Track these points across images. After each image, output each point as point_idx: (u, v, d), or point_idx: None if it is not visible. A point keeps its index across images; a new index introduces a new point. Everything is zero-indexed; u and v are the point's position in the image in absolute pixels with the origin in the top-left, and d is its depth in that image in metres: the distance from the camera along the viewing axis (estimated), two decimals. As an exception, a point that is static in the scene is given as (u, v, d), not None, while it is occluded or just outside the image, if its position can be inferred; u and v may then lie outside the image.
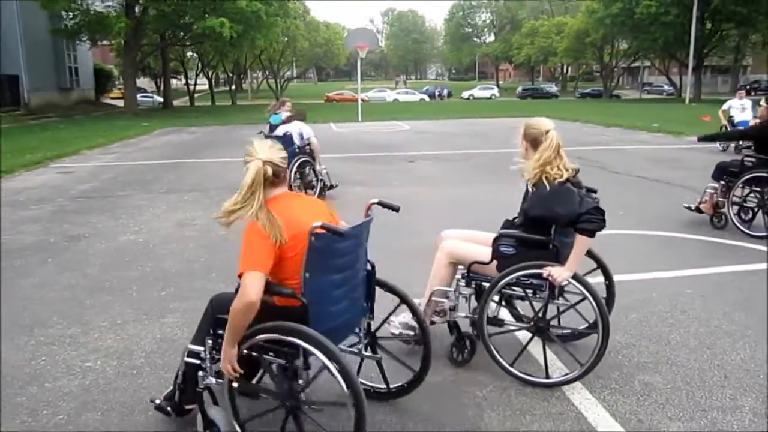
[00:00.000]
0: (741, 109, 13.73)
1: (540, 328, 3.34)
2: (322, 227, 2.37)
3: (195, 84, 51.17)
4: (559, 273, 3.10)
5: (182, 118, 27.82)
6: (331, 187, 8.80)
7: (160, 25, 32.58)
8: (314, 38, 65.21)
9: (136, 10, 30.52)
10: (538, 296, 3.29)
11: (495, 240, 3.36)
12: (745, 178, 6.32)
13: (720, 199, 6.58)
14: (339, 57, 73.57)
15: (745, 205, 6.49)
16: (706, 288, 4.72)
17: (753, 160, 6.35)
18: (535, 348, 3.55)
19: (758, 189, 6.36)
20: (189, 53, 48.17)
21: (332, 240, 2.41)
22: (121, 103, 35.44)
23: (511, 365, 3.30)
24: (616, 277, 4.83)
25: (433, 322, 3.55)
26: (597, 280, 3.57)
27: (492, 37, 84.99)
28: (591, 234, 3.10)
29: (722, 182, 6.59)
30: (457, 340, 3.50)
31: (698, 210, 6.80)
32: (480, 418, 2.93)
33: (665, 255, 5.74)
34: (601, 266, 3.62)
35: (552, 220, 3.22)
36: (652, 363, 3.47)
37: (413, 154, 13.63)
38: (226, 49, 35.52)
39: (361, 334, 2.93)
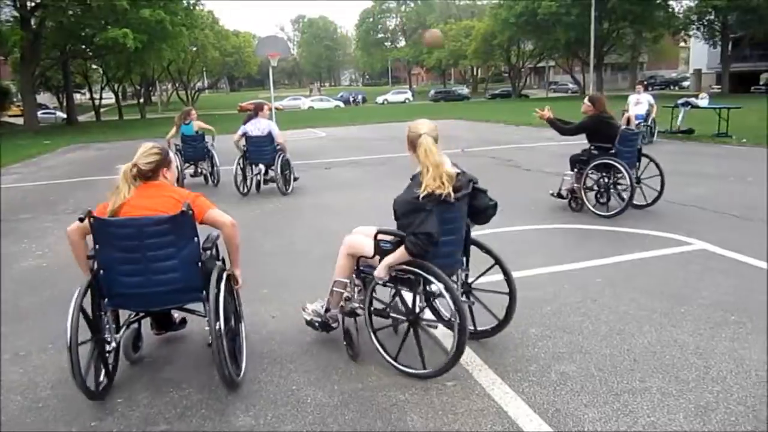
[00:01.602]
0: (635, 103, 14.48)
1: (412, 320, 3.41)
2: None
3: (100, 98, 49.18)
4: (378, 271, 3.32)
5: (88, 135, 26.65)
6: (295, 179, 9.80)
7: (59, 37, 31.16)
8: (224, 47, 64.03)
9: (32, 22, 29.03)
10: (412, 290, 3.40)
11: (375, 236, 3.43)
12: (592, 165, 7.22)
13: (575, 185, 7.39)
14: (250, 66, 72.53)
15: (596, 188, 7.36)
16: (614, 276, 4.93)
17: (595, 150, 7.24)
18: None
19: (605, 173, 7.22)
20: (92, 66, 46.26)
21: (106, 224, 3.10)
22: (20, 120, 33.63)
23: (395, 359, 3.45)
24: (529, 272, 4.98)
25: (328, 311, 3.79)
26: (496, 278, 3.64)
27: (403, 42, 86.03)
28: (414, 255, 3.21)
29: (575, 171, 7.42)
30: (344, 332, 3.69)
31: (559, 196, 7.62)
32: (403, 422, 2.94)
33: (575, 247, 5.97)
34: (498, 263, 3.70)
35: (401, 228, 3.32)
36: (567, 353, 3.59)
37: (330, 161, 13.61)
38: (130, 61, 34.27)
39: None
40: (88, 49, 34.31)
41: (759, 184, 8.87)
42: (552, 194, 7.70)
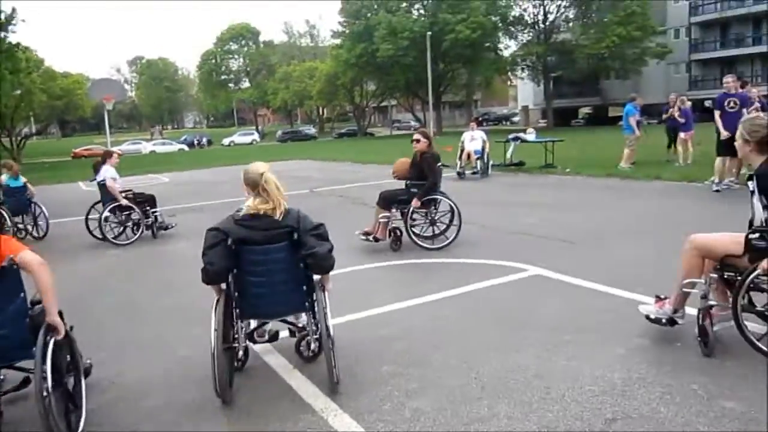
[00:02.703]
0: (471, 139, 15.42)
1: None
2: None
3: None
4: None
5: None
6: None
7: None
8: (52, 90, 59.88)
9: None
10: None
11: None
12: (423, 201, 7.23)
13: (395, 224, 7.39)
14: (84, 109, 68.32)
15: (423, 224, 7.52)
16: (461, 307, 5.12)
17: (414, 188, 7.30)
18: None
19: (424, 210, 7.39)
20: None
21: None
22: None
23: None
24: (379, 309, 5.05)
25: None
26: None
27: (247, 83, 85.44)
28: (205, 282, 3.64)
29: (394, 210, 7.40)
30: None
31: (375, 239, 7.37)
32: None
33: (422, 281, 6.13)
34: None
35: None
36: (419, 388, 3.65)
37: (173, 208, 13.05)
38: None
39: None
40: None
41: (579, 211, 9.72)
42: (364, 237, 7.43)
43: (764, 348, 3.65)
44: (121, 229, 9.19)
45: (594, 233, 7.79)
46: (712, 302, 3.87)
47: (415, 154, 7.51)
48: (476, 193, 12.59)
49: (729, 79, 10.75)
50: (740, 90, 10.72)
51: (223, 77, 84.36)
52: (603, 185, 12.55)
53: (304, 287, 3.72)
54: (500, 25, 49.65)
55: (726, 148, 9.92)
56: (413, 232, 7.39)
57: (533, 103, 59.36)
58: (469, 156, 15.28)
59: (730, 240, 3.87)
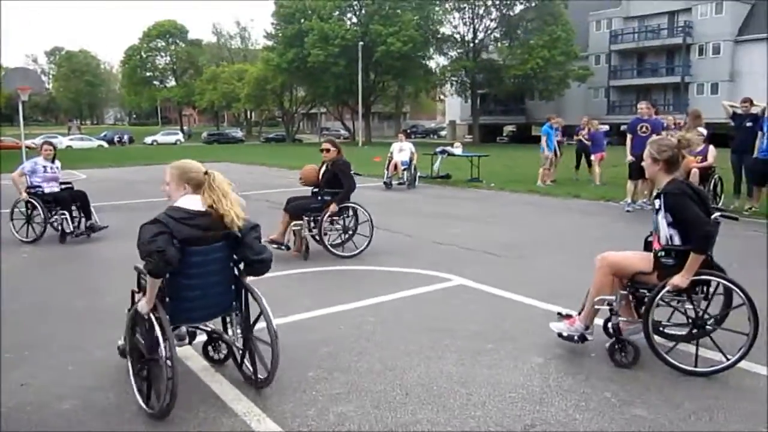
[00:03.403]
0: (399, 150, 15.60)
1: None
2: None
3: None
4: (141, 304, 3.35)
5: None
6: None
7: None
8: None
9: None
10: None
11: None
12: (339, 209, 7.28)
13: (308, 233, 7.37)
14: (-5, 99, 64.97)
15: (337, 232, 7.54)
16: (385, 314, 5.16)
17: (327, 196, 7.32)
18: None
19: (346, 215, 7.53)
20: None
21: None
22: None
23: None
24: (306, 314, 5.03)
25: None
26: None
27: (173, 82, 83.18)
28: (153, 275, 3.29)
29: (306, 218, 7.35)
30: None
31: (287, 248, 7.24)
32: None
33: (348, 288, 6.15)
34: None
35: None
36: (344, 393, 3.65)
37: (94, 205, 12.53)
38: None
39: None
40: None
41: (502, 225, 10.00)
42: (275, 246, 7.01)
43: (672, 361, 3.86)
44: (25, 225, 8.62)
45: (516, 246, 8.03)
46: (621, 318, 4.05)
47: (325, 162, 7.52)
48: (402, 203, 12.72)
49: (643, 105, 11.32)
50: (653, 116, 11.32)
51: (148, 74, 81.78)
52: (525, 201, 12.95)
53: (233, 287, 3.67)
54: (431, 40, 50.52)
55: (636, 171, 10.49)
56: (324, 241, 7.36)
57: (460, 118, 60.60)
58: (396, 167, 15.44)
59: (640, 258, 4.10)
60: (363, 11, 50.00)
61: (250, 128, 76.91)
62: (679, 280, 3.74)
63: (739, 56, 43.15)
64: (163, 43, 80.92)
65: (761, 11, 42.19)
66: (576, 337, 4.19)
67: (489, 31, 50.84)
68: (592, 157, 15.27)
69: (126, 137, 59.86)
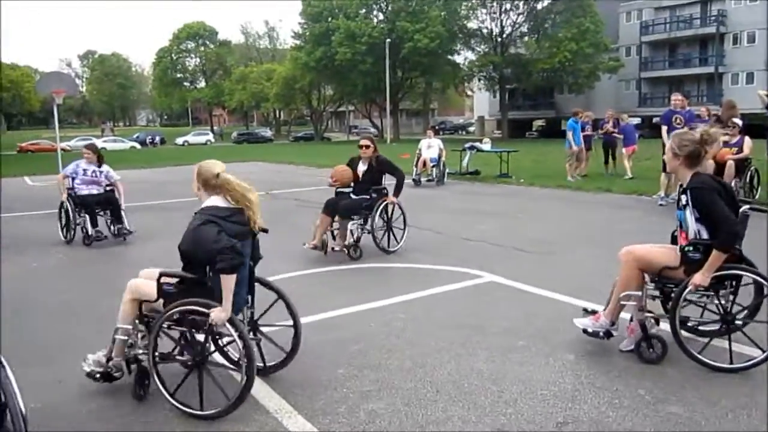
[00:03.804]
0: (427, 147, 15.57)
1: (199, 362, 3.38)
2: None
3: None
4: (217, 315, 3.26)
5: None
6: None
7: None
8: (-2, 81, 57.99)
9: None
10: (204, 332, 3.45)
11: (158, 278, 3.46)
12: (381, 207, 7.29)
13: (360, 233, 7.25)
14: (31, 103, 66.47)
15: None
16: (415, 311, 5.16)
17: (375, 194, 7.34)
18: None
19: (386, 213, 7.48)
20: None
21: None
22: None
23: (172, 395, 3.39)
24: (335, 312, 5.07)
25: None
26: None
27: (203, 83, 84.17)
28: (229, 272, 3.26)
29: (357, 218, 7.26)
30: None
31: (320, 248, 7.06)
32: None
33: (378, 285, 6.17)
34: (281, 296, 3.89)
35: (195, 258, 3.41)
36: (374, 390, 3.66)
37: (126, 206, 12.75)
38: None
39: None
40: None
41: (532, 220, 9.91)
42: (318, 247, 7.01)
43: (702, 358, 3.80)
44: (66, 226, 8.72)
45: (546, 242, 7.95)
46: (648, 314, 3.98)
47: (364, 159, 7.44)
48: (432, 200, 12.69)
49: (676, 97, 11.12)
50: (686, 108, 11.10)
51: (178, 75, 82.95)
52: (555, 196, 12.81)
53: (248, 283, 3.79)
54: (458, 35, 50.29)
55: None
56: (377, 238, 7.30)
57: (489, 113, 60.21)
58: (425, 163, 15.41)
59: (667, 252, 4.03)
60: (389, 8, 49.95)
61: (278, 127, 77.47)
62: (700, 278, 3.68)
63: (776, 44, 42.12)
64: (193, 45, 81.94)
65: (798, -3, 41.11)
66: (602, 333, 4.12)
67: (516, 26, 50.37)
68: (624, 150, 15.05)
69: (158, 138, 60.74)
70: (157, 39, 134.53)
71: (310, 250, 7.08)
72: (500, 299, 5.50)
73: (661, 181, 11.07)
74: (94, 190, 8.83)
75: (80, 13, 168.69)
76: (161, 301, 3.47)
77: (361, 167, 7.48)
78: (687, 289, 3.76)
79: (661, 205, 10.68)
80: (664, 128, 10.79)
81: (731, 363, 3.76)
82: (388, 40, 45.37)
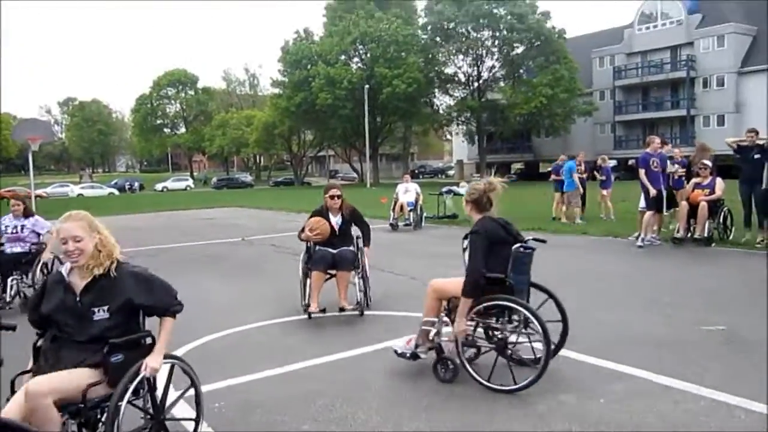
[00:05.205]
0: (404, 191, 15.57)
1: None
2: None
3: None
4: (152, 363, 3.14)
5: None
6: None
7: None
8: (-26, 129, 57.71)
9: None
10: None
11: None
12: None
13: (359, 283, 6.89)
14: (8, 149, 66.09)
15: None
16: (386, 361, 4.99)
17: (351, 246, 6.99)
18: None
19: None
20: None
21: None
22: None
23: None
24: (303, 364, 4.89)
25: None
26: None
27: (183, 128, 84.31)
28: (173, 316, 3.31)
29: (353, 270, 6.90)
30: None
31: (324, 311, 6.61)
32: None
33: (351, 334, 6.00)
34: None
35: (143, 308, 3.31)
36: (340, 447, 3.50)
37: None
38: None
39: None
40: None
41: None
42: (324, 310, 6.43)
43: (475, 375, 4.33)
44: None
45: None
46: (443, 339, 4.51)
47: (335, 210, 6.96)
48: (408, 244, 12.61)
49: (656, 141, 11.10)
50: (658, 151, 11.18)
51: (158, 121, 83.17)
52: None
53: None
54: (435, 80, 51.11)
55: (655, 202, 10.41)
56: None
57: (468, 157, 60.83)
58: (402, 208, 15.38)
59: (458, 283, 4.46)
60: (368, 55, 50.73)
61: (258, 172, 77.58)
62: (458, 327, 4.28)
63: (744, 87, 43.31)
64: (174, 91, 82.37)
65: (763, 42, 42.49)
66: (408, 354, 4.59)
67: (493, 71, 51.33)
68: (604, 192, 15.17)
69: (136, 184, 60.53)
70: (138, 86, 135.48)
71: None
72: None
73: (643, 221, 10.93)
74: (17, 248, 7.71)
75: (60, 60, 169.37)
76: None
77: (336, 219, 6.98)
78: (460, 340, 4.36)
79: (640, 246, 10.59)
80: (642, 171, 10.77)
81: (515, 383, 4.15)
82: (367, 85, 45.95)
